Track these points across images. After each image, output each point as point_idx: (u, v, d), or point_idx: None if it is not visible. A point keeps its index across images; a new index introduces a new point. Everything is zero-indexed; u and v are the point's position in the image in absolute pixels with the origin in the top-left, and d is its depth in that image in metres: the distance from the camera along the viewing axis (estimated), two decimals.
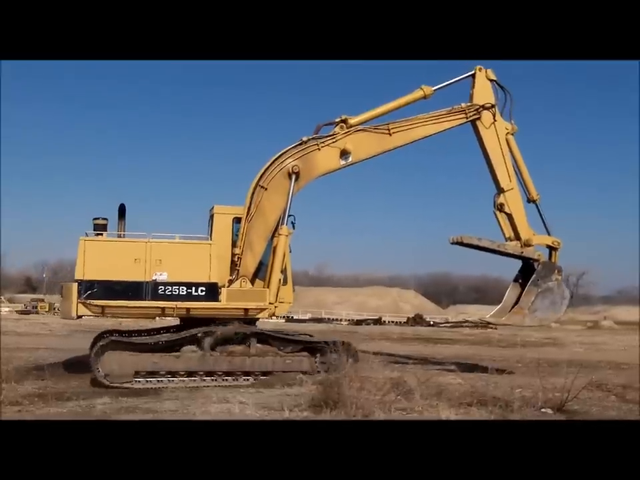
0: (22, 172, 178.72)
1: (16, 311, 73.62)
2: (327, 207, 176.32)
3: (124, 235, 20.08)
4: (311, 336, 21.97)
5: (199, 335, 19.49)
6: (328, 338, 21.39)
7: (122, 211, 20.38)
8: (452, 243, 23.19)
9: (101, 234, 19.56)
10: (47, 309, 73.93)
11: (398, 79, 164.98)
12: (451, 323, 75.80)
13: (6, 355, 23.38)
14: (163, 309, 19.38)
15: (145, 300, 19.08)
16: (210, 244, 20.08)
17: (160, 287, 19.14)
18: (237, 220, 20.79)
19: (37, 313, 71.17)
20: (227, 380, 19.32)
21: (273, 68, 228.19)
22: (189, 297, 19.30)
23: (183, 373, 19.19)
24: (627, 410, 15.34)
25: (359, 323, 73.41)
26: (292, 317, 74.13)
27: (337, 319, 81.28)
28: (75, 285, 18.85)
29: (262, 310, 20.17)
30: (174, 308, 19.25)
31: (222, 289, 19.85)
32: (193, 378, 19.14)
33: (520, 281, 24.07)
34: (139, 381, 18.87)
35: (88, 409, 14.53)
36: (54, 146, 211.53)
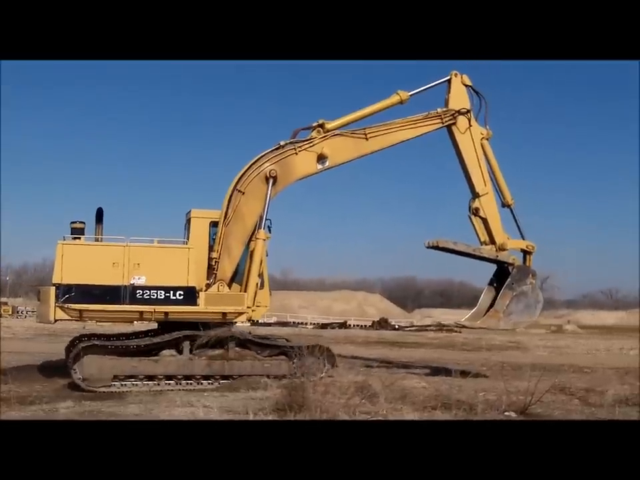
0: None
1: None
2: (294, 211, 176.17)
3: (102, 238, 19.99)
4: (288, 340, 22.11)
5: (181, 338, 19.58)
6: (306, 342, 21.37)
7: (99, 214, 20.31)
8: (428, 247, 23.39)
9: (79, 237, 19.45)
10: (10, 312, 73.08)
11: (379, 81, 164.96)
12: (416, 326, 75.97)
13: None
14: (141, 312, 19.30)
15: (123, 304, 19.02)
16: (188, 248, 20.08)
17: (138, 291, 19.08)
18: (214, 224, 20.84)
19: None
20: (190, 384, 19.30)
21: (252, 71, 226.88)
22: (167, 301, 19.28)
23: (161, 376, 19.20)
24: (590, 413, 15.53)
25: (324, 326, 73.22)
26: (257, 321, 73.83)
27: (302, 323, 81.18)
28: (53, 289, 18.70)
29: (240, 314, 20.28)
30: (152, 312, 19.22)
31: (200, 292, 19.84)
32: (156, 382, 19.11)
33: (495, 284, 24.32)
34: (114, 385, 18.85)
35: (51, 413, 14.46)
36: (28, 150, 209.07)
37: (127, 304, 19.02)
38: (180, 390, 18.76)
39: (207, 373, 19.52)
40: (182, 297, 19.41)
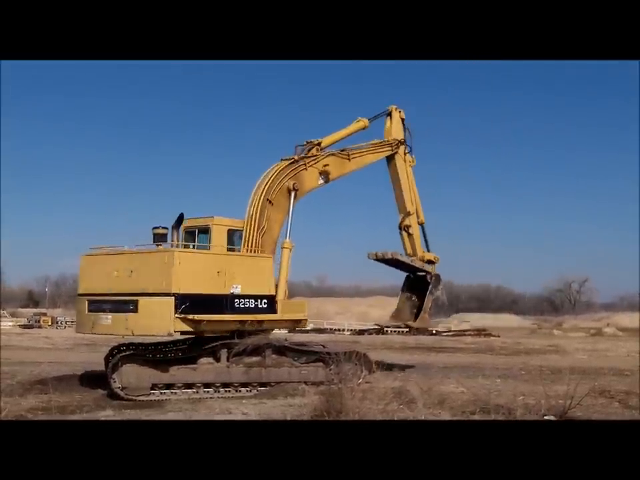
0: (21, 185, 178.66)
1: (19, 325, 73.64)
2: (326, 218, 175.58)
3: (179, 245, 19.89)
4: (324, 346, 22.26)
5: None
6: (343, 348, 21.32)
7: (179, 220, 20.20)
8: (375, 260, 26.59)
9: (160, 244, 19.39)
10: (49, 323, 73.88)
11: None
12: (454, 331, 75.61)
13: (9, 369, 23.44)
14: (243, 322, 19.52)
15: (225, 313, 19.17)
16: (270, 257, 20.50)
17: (236, 300, 19.31)
18: (231, 232, 20.90)
19: (39, 327, 71.08)
20: (228, 391, 19.36)
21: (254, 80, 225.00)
22: (256, 310, 19.67)
23: (199, 384, 19.28)
24: (630, 416, 15.44)
25: (361, 332, 73.18)
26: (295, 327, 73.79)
27: (339, 329, 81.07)
28: (172, 300, 18.28)
29: (305, 320, 21.22)
30: (251, 321, 19.55)
31: (277, 301, 20.22)
32: (194, 390, 19.18)
33: (406, 289, 28.34)
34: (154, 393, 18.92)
35: None
36: (54, 158, 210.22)
37: (228, 313, 19.17)
38: (218, 397, 18.86)
39: (244, 380, 19.63)
40: (266, 305, 19.85)
